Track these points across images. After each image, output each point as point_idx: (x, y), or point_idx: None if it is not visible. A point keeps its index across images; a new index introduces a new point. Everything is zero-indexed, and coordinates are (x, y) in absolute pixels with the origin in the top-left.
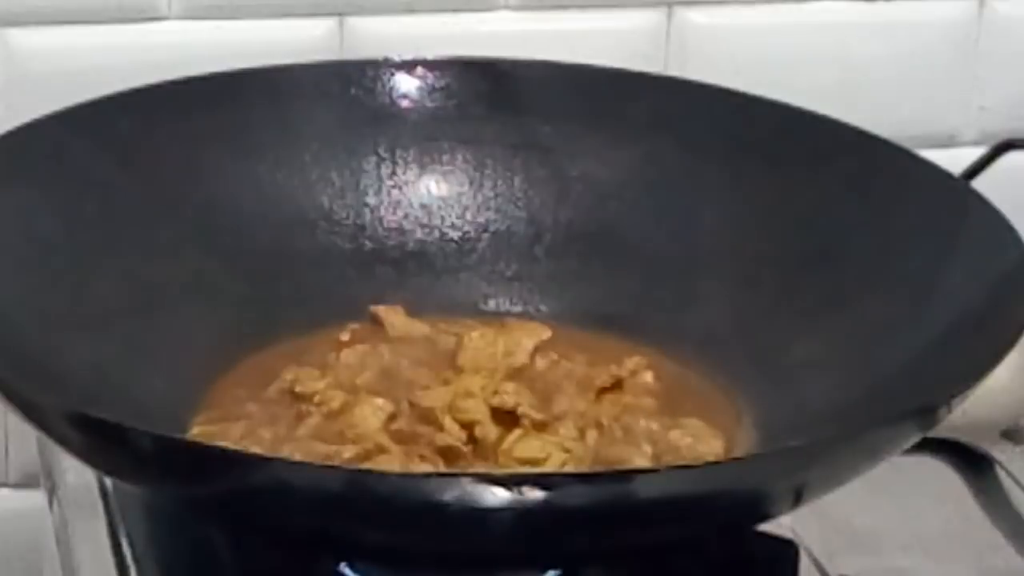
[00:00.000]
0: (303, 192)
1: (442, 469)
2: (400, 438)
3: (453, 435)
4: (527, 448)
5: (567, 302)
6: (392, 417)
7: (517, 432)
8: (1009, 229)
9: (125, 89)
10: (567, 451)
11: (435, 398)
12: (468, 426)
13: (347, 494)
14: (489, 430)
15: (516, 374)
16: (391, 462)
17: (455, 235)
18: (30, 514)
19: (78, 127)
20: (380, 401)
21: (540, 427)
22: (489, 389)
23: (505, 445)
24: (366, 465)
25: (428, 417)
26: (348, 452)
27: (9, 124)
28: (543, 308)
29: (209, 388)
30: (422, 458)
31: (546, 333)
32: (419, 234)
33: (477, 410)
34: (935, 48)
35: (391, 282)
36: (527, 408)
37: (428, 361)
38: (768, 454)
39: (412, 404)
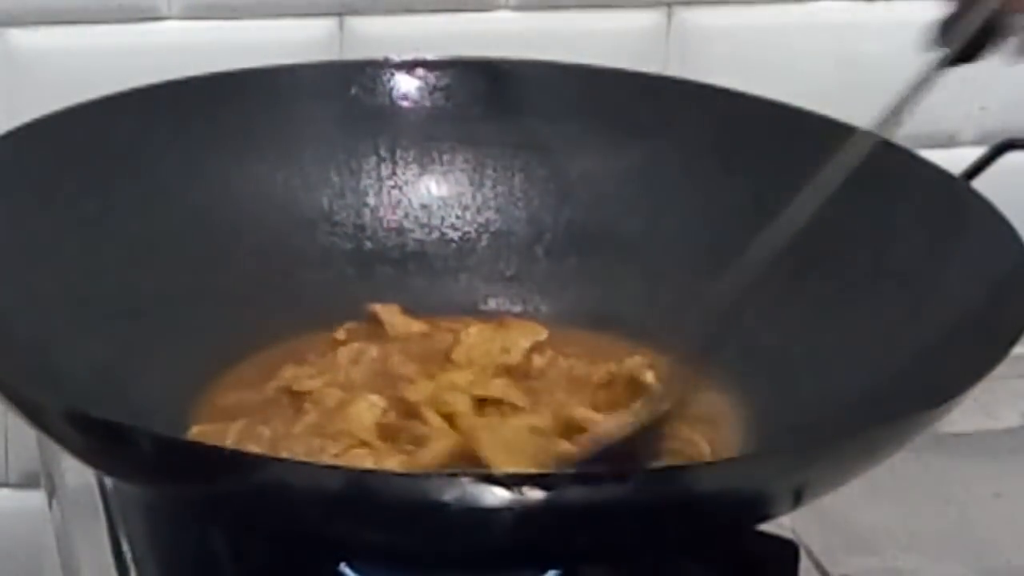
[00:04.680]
0: (303, 192)
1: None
2: (388, 433)
3: (434, 426)
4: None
5: (567, 302)
6: (387, 413)
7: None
8: (1009, 229)
9: (125, 89)
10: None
11: (418, 391)
12: (449, 417)
13: (347, 494)
14: (473, 422)
15: (511, 371)
16: (365, 458)
17: (455, 235)
18: (30, 514)
19: (78, 127)
20: (375, 398)
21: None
22: (478, 383)
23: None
24: (342, 460)
25: (411, 411)
26: (334, 448)
27: (9, 124)
28: (543, 308)
29: (209, 388)
30: (401, 451)
31: (543, 333)
32: (419, 234)
33: (459, 402)
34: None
35: (391, 282)
36: (514, 400)
37: (423, 357)
38: (768, 454)
39: (398, 399)
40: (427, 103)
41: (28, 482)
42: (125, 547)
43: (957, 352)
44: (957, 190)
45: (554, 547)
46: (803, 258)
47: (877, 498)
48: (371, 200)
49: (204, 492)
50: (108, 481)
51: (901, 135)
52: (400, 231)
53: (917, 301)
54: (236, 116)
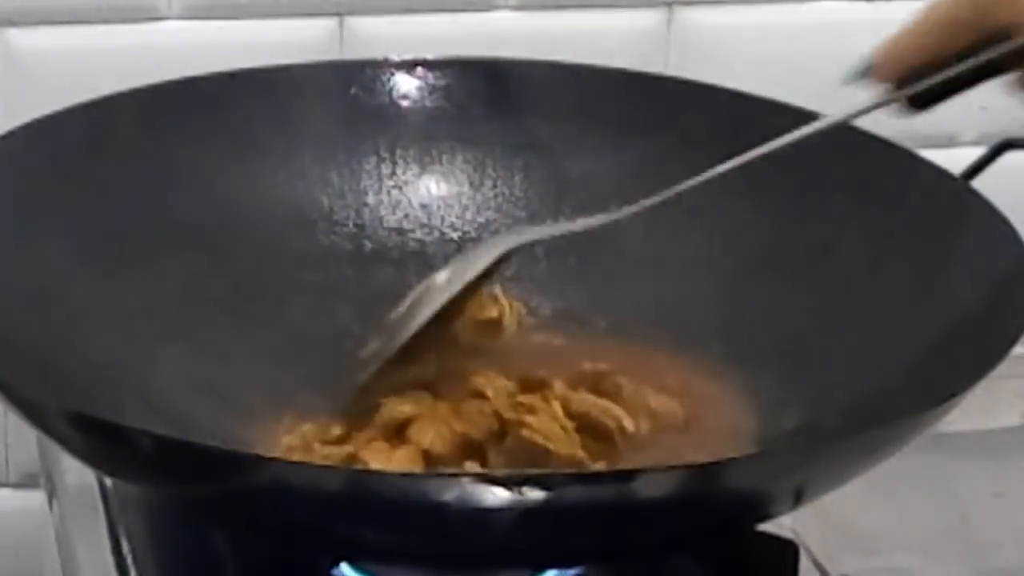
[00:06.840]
0: (303, 192)
1: None
2: None
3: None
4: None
5: (567, 302)
6: None
7: None
8: (1009, 229)
9: (125, 89)
10: None
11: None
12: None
13: (347, 494)
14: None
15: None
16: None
17: (455, 235)
18: (30, 514)
19: (78, 127)
20: None
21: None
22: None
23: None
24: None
25: None
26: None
27: (9, 124)
28: (543, 308)
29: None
30: None
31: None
32: (419, 234)
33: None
34: None
35: (391, 282)
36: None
37: None
38: (768, 454)
39: None
40: (427, 103)
41: (28, 482)
42: (125, 547)
43: (957, 352)
44: (957, 190)
45: (554, 547)
46: (804, 258)
47: (877, 498)
48: (371, 200)
49: (204, 492)
50: (108, 481)
51: (901, 135)
52: (400, 231)
53: (917, 301)
54: (236, 116)
